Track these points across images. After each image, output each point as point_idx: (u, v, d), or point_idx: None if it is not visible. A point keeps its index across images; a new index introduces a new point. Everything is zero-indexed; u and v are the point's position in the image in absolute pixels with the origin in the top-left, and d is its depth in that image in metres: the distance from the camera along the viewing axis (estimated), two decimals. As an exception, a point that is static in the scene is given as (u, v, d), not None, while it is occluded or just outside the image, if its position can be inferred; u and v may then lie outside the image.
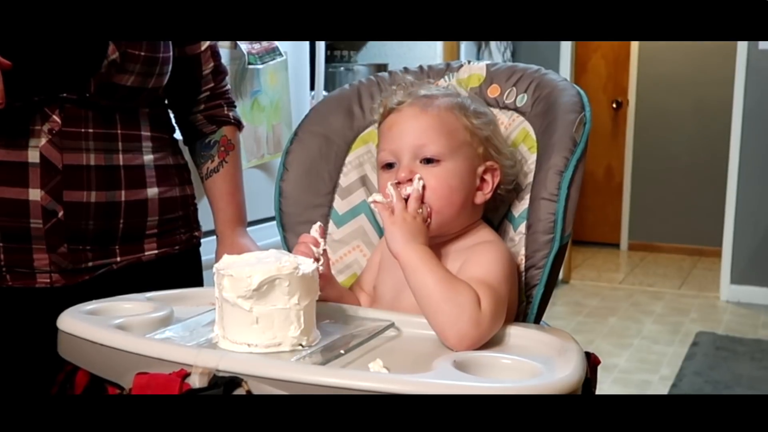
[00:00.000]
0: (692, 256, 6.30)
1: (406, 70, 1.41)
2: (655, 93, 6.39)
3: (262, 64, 2.61)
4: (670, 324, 4.55)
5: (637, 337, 4.30)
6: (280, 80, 2.74)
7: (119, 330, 1.02)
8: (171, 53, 1.47)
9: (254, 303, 0.97)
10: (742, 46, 4.84)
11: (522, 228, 1.23)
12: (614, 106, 6.51)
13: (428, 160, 1.18)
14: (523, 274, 1.20)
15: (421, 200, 1.15)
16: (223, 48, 2.50)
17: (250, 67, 2.58)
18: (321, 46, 3.15)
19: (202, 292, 1.26)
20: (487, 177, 1.22)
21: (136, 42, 1.37)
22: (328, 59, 3.56)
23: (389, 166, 1.21)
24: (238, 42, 2.54)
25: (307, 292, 1.00)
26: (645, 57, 6.41)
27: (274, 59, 2.64)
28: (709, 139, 6.12)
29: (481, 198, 1.22)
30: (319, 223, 1.18)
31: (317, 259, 1.11)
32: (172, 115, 1.62)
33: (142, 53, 1.39)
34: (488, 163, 1.22)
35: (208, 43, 1.59)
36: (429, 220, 1.16)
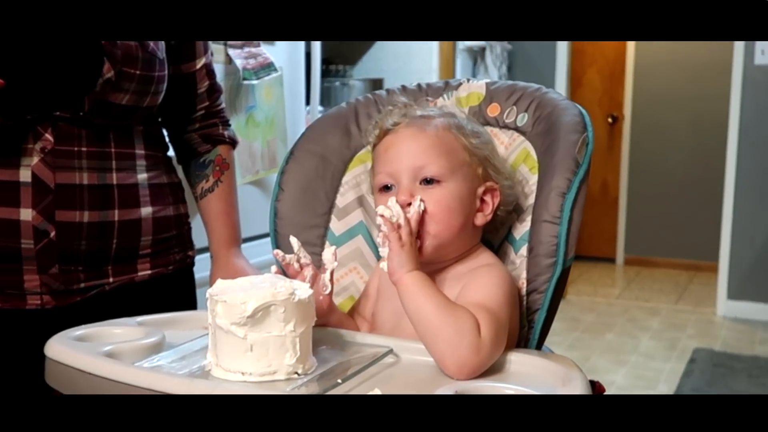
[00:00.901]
0: (688, 271, 6.28)
1: (404, 88, 1.39)
2: (651, 108, 6.38)
3: (257, 79, 2.59)
4: (666, 340, 4.53)
5: (633, 354, 4.28)
6: (276, 96, 2.72)
7: (108, 358, 0.99)
8: (166, 71, 1.45)
9: (249, 330, 0.95)
10: (737, 61, 4.83)
11: (523, 251, 1.20)
12: (610, 120, 6.50)
13: (428, 181, 1.15)
14: (525, 298, 1.17)
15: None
16: (218, 63, 2.48)
17: (245, 82, 2.56)
18: (317, 61, 3.14)
19: (194, 315, 1.23)
20: (487, 198, 1.19)
21: (131, 61, 1.35)
22: (324, 74, 3.55)
23: (387, 188, 1.18)
24: (232, 57, 2.52)
25: (303, 319, 0.98)
26: (640, 71, 6.41)
27: (269, 74, 2.62)
28: (705, 154, 6.10)
29: (481, 220, 1.19)
30: (334, 247, 1.15)
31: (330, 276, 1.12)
32: (165, 133, 1.60)
33: (138, 72, 1.37)
34: (488, 184, 1.19)
35: (203, 61, 1.57)
36: (420, 245, 1.13)
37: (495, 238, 1.28)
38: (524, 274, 1.18)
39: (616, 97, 6.53)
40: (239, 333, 0.94)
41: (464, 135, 1.18)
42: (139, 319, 1.17)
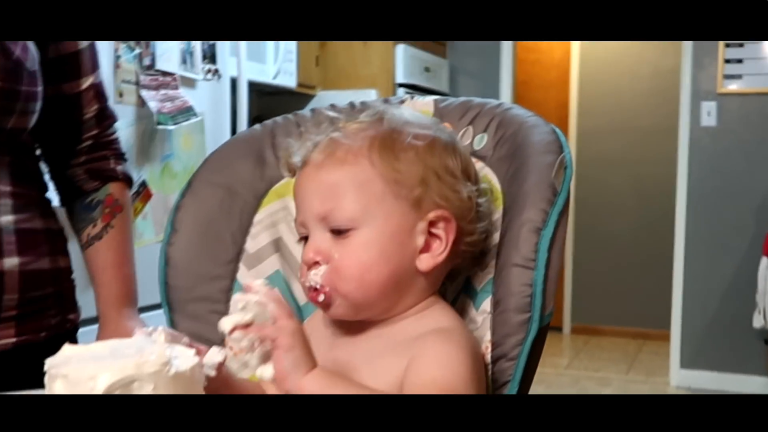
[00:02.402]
0: (636, 340, 6.09)
1: (333, 107, 1.12)
2: (595, 171, 6.27)
3: (175, 124, 2.32)
4: (621, 413, 4.29)
5: (587, 428, 4.03)
6: (196, 144, 2.45)
7: None
8: (40, 88, 1.18)
9: (100, 417, 0.66)
10: (684, 123, 4.73)
11: (486, 305, 0.93)
12: (554, 185, 6.36)
13: (338, 231, 0.88)
14: (490, 367, 0.89)
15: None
16: (129, 105, 2.22)
17: (160, 127, 2.28)
18: (243, 106, 2.89)
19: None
20: (438, 231, 0.90)
21: None
22: (255, 129, 3.32)
23: (307, 239, 0.92)
24: (146, 99, 2.25)
25: (183, 399, 0.69)
26: (584, 135, 6.31)
27: (188, 119, 2.36)
28: (652, 218, 5.99)
29: (428, 263, 0.90)
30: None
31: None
32: (45, 169, 1.34)
33: None
34: (433, 215, 0.90)
35: (90, 80, 1.31)
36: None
37: (448, 290, 1.01)
38: (488, 336, 0.90)
39: (559, 161, 6.40)
40: (87, 422, 0.65)
41: (392, 150, 0.89)
42: (-31, 401, 0.87)
